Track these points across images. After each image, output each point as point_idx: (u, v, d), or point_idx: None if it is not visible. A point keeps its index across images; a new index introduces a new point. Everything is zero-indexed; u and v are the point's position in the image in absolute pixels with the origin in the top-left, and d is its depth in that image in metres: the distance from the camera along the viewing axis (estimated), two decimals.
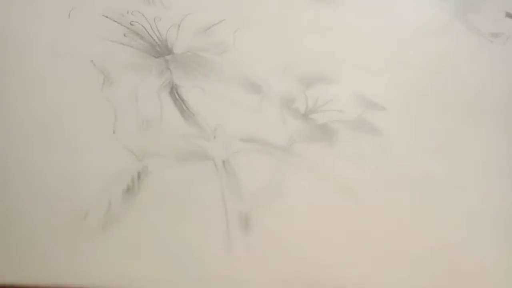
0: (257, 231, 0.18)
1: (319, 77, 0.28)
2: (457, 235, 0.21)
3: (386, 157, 0.23)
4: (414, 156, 0.24)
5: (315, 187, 0.21)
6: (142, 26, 0.27)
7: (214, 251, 0.18)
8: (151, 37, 0.26)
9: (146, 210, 0.18)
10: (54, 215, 0.17)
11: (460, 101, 0.29)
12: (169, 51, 0.26)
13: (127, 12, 0.27)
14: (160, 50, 0.26)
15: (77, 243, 0.17)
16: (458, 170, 0.25)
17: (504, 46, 0.33)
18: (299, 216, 0.19)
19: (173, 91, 0.23)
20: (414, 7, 0.35)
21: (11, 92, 0.21)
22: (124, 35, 0.26)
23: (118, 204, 0.18)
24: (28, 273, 0.16)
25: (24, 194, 0.18)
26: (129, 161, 0.19)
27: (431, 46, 0.32)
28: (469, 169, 0.25)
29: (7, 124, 0.19)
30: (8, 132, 0.19)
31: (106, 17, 0.26)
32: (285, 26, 0.30)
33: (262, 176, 0.21)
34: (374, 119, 0.26)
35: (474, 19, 0.36)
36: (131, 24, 0.27)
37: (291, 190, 0.20)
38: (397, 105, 0.27)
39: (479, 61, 0.32)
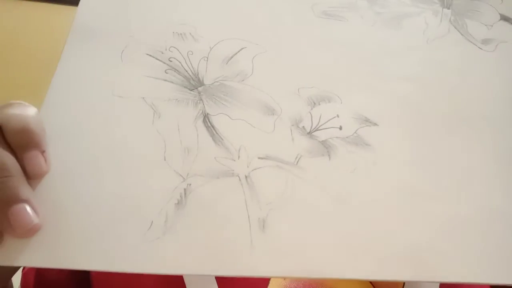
0: (270, 232, 0.25)
1: (323, 96, 0.33)
2: (429, 237, 0.27)
3: (375, 169, 0.29)
4: (401, 167, 0.30)
5: (315, 196, 0.27)
6: (179, 61, 0.33)
7: (239, 246, 0.25)
8: (186, 71, 0.33)
9: (192, 218, 0.25)
10: (126, 227, 0.25)
11: (448, 113, 0.34)
12: (201, 83, 0.32)
13: (166, 49, 0.34)
14: (194, 83, 0.32)
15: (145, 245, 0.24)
16: (445, 179, 0.30)
17: (493, 53, 0.37)
18: (302, 220, 0.26)
19: (205, 119, 0.30)
20: (418, 18, 0.39)
21: (80, 133, 0.28)
22: (165, 71, 0.32)
23: (172, 215, 0.25)
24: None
25: (99, 214, 0.25)
26: (177, 181, 0.26)
27: (426, 58, 0.37)
28: (456, 179, 0.30)
29: (80, 159, 0.27)
30: (80, 166, 0.27)
31: (150, 55, 0.33)
32: (297, 48, 0.36)
33: (275, 187, 0.27)
34: (367, 134, 0.31)
35: (470, 24, 0.39)
36: (170, 61, 0.33)
37: (297, 199, 0.27)
38: (388, 120, 0.32)
39: (468, 70, 0.36)
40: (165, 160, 0.28)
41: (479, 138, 0.32)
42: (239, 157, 0.29)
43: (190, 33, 0.35)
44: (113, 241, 0.25)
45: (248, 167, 0.28)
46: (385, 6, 0.40)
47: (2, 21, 0.90)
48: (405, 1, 0.41)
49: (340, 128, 0.31)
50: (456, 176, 0.30)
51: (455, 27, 0.39)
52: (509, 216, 0.29)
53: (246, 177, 0.28)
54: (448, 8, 0.41)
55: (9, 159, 0.23)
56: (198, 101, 0.31)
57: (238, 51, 0.35)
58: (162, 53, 0.33)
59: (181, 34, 0.35)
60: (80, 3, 0.36)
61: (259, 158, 0.29)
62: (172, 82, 0.32)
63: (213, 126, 0.30)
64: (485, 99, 0.35)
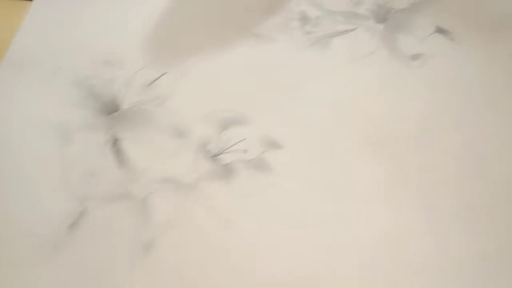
0: (156, 254, 0.27)
1: (235, 120, 0.34)
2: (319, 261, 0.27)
3: (271, 193, 0.30)
4: (299, 192, 0.30)
5: (207, 219, 0.28)
6: (100, 87, 0.35)
7: (122, 268, 0.27)
8: (106, 97, 0.35)
9: (83, 241, 0.27)
10: (14, 251, 0.27)
11: (358, 138, 0.33)
12: (117, 108, 0.34)
13: (90, 77, 0.36)
14: (110, 109, 0.34)
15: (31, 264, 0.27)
16: (347, 202, 0.30)
17: (419, 70, 0.36)
18: (190, 243, 0.27)
19: (115, 144, 0.32)
20: (348, 36, 0.39)
21: None
22: (85, 98, 0.34)
23: (64, 237, 0.27)
24: None
25: None
26: (75, 204, 0.28)
27: (348, 79, 0.36)
28: (354, 204, 0.30)
29: None
30: None
31: (74, 83, 0.35)
32: (219, 71, 0.37)
33: (169, 210, 0.29)
34: (270, 158, 0.32)
35: (401, 39, 0.38)
36: (92, 87, 0.35)
37: (189, 222, 0.28)
38: (294, 144, 0.33)
39: (389, 91, 0.36)
40: (65, 183, 0.30)
41: (383, 163, 0.32)
42: (139, 180, 0.30)
43: (115, 60, 0.37)
44: (3, 263, 0.27)
45: (146, 190, 0.30)
46: (317, 25, 0.41)
47: None
48: (338, 19, 0.41)
49: (245, 151, 0.32)
50: (355, 200, 0.30)
51: (384, 43, 0.39)
52: (400, 239, 0.29)
53: (142, 200, 0.30)
54: (382, 23, 0.40)
55: None
56: (111, 126, 0.33)
57: (160, 76, 0.36)
58: (86, 80, 0.35)
59: (106, 61, 0.37)
60: (18, 33, 0.38)
61: (158, 181, 0.30)
62: (90, 108, 0.34)
63: (120, 150, 0.32)
64: (399, 122, 0.34)
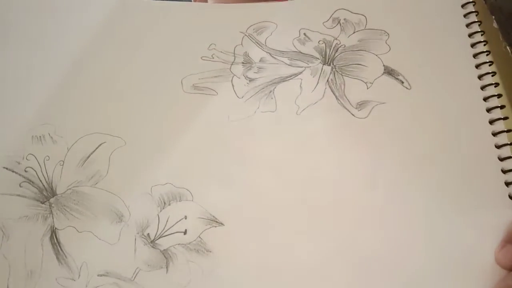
0: None
1: (175, 194, 0.33)
2: None
3: (211, 280, 0.30)
4: (239, 275, 0.30)
5: None
6: (34, 170, 0.34)
7: None
8: (41, 181, 0.34)
9: None
10: None
11: (296, 204, 0.32)
12: (53, 193, 0.33)
13: (23, 158, 0.34)
14: (46, 194, 0.33)
15: None
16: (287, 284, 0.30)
17: (365, 121, 0.34)
18: None
19: (53, 235, 0.31)
20: (293, 82, 0.37)
21: None
22: (20, 185, 0.33)
23: None
24: None
25: None
26: None
27: (292, 135, 0.35)
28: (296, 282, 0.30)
29: None
30: None
31: (6, 168, 0.34)
32: (159, 137, 0.35)
33: None
34: (211, 238, 0.31)
35: (348, 83, 0.36)
36: (26, 171, 0.34)
37: None
38: (235, 218, 0.32)
39: (333, 147, 0.34)
40: (7, 287, 0.30)
41: (322, 231, 0.31)
42: (79, 276, 0.30)
43: (49, 134, 0.35)
44: None
45: (86, 287, 0.30)
46: (261, 69, 0.38)
47: None
48: (284, 60, 0.38)
49: (185, 232, 0.32)
50: (297, 278, 0.30)
51: (331, 89, 0.37)
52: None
53: None
54: (329, 64, 0.38)
55: None
56: (48, 215, 0.32)
57: (96, 148, 0.35)
58: (19, 163, 0.34)
59: (40, 137, 0.35)
60: None
61: (98, 275, 0.30)
62: (25, 197, 0.33)
63: (59, 243, 0.31)
64: (345, 182, 0.33)
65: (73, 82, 0.37)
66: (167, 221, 0.32)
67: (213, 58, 0.39)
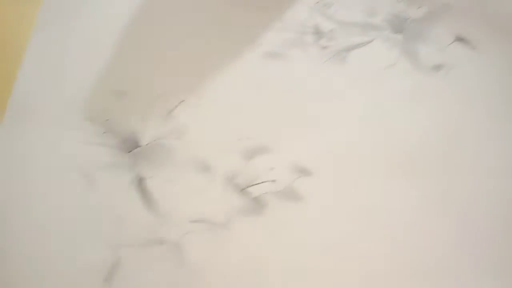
0: None
1: (259, 147, 0.33)
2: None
3: (307, 225, 0.29)
4: (332, 220, 0.30)
5: (244, 259, 0.28)
6: (116, 122, 0.34)
7: None
8: (123, 132, 0.33)
9: None
10: None
11: (390, 158, 0.33)
12: (137, 144, 0.33)
13: (103, 111, 0.34)
14: (130, 145, 0.33)
15: None
16: (381, 231, 0.30)
17: (443, 81, 0.35)
18: (229, 286, 0.27)
19: (140, 183, 0.31)
20: (366, 48, 0.38)
21: (15, 209, 0.29)
22: (103, 134, 0.33)
23: None
24: None
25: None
26: (107, 254, 0.28)
27: (371, 94, 0.36)
28: (390, 230, 0.30)
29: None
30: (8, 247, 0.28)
31: (87, 119, 0.34)
32: (236, 96, 0.36)
33: (205, 252, 0.28)
34: (300, 186, 0.31)
35: (421, 50, 0.37)
36: (107, 122, 0.34)
37: (226, 263, 0.28)
38: (323, 169, 0.32)
39: (415, 105, 0.35)
40: (96, 231, 0.29)
41: (416, 183, 0.31)
42: (170, 222, 0.30)
43: (128, 90, 0.35)
44: None
45: (178, 232, 0.29)
46: (332, 38, 0.39)
47: None
48: (354, 31, 0.40)
49: (274, 181, 0.31)
50: (391, 227, 0.30)
51: (405, 55, 0.38)
52: (439, 262, 0.28)
53: (176, 243, 0.29)
54: (400, 33, 0.39)
55: None
56: (134, 164, 0.32)
57: (176, 106, 0.35)
58: (99, 115, 0.34)
59: (118, 91, 0.35)
60: (17, 80, 0.36)
61: (190, 221, 0.30)
62: (108, 146, 0.32)
63: (146, 190, 0.31)
64: (427, 138, 0.34)
65: (152, 44, 0.38)
66: (254, 171, 0.32)
67: (285, 29, 0.40)
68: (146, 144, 0.33)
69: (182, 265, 0.28)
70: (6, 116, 0.33)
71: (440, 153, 0.32)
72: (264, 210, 0.30)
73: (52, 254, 0.28)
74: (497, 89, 0.36)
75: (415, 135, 0.33)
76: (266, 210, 0.30)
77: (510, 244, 0.28)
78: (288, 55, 0.38)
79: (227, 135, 0.34)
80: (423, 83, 0.36)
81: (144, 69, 0.36)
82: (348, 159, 0.32)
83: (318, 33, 0.39)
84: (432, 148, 0.33)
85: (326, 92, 0.36)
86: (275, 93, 0.36)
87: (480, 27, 0.38)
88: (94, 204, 0.30)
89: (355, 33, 0.39)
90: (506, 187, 0.31)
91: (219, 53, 0.38)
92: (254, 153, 0.33)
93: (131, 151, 0.32)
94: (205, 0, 0.39)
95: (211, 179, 0.31)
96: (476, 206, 0.30)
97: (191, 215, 0.30)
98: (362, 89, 0.36)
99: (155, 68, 0.37)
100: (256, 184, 0.31)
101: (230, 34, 0.39)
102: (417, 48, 0.38)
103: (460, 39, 0.38)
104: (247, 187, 0.31)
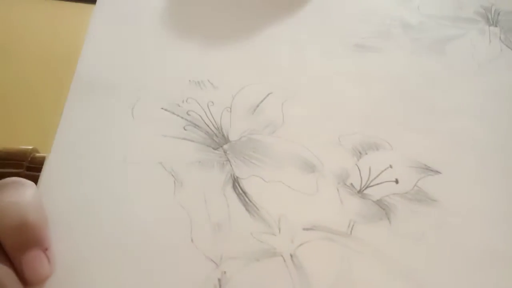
0: None
1: (369, 143, 0.28)
2: None
3: (447, 231, 0.24)
4: (472, 227, 0.25)
5: (378, 274, 0.22)
6: (198, 114, 0.29)
7: None
8: (208, 126, 0.28)
9: None
10: None
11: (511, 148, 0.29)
12: (226, 140, 0.28)
13: (183, 101, 0.29)
14: (217, 140, 0.28)
15: None
16: None
17: None
18: None
19: (235, 184, 0.25)
20: (462, 40, 0.35)
21: (90, 212, 0.23)
22: (184, 128, 0.28)
23: None
24: None
25: None
26: (209, 268, 0.22)
27: (479, 85, 0.32)
28: None
29: (90, 248, 0.22)
30: (91, 257, 0.22)
31: (165, 110, 0.29)
32: (330, 88, 0.31)
33: (328, 267, 0.22)
34: (431, 186, 0.26)
35: None
36: (188, 114, 0.29)
37: (356, 280, 0.22)
38: (452, 165, 0.27)
39: None
40: (192, 241, 0.23)
41: None
42: (280, 230, 0.24)
43: (208, 80, 0.31)
44: None
45: (292, 242, 0.23)
46: (423, 30, 0.36)
47: (22, 19, 0.88)
48: (445, 23, 0.36)
49: (396, 181, 0.26)
50: None
51: (507, 46, 0.35)
52: None
53: (291, 256, 0.23)
54: (496, 26, 0.36)
55: (1, 270, 0.19)
56: (225, 162, 0.26)
57: (264, 98, 0.30)
58: (179, 105, 0.29)
59: (198, 82, 0.30)
60: (83, 51, 0.32)
61: (304, 229, 0.24)
62: (193, 141, 0.27)
63: (245, 193, 0.25)
64: None
65: (236, 38, 0.34)
66: (369, 170, 0.27)
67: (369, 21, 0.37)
68: (236, 140, 0.28)
69: (301, 283, 0.22)
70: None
71: None
72: (392, 215, 0.25)
73: (139, 265, 0.22)
74: None
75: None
76: (395, 215, 0.25)
77: None
78: (378, 47, 0.34)
79: (327, 130, 0.29)
80: None
81: (226, 59, 0.32)
82: (474, 153, 0.28)
83: (405, 25, 0.36)
84: None
85: (430, 82, 0.32)
86: (375, 85, 0.31)
87: None
88: (185, 207, 0.24)
89: (446, 26, 0.36)
90: None
91: (307, 44, 0.34)
92: (363, 149, 0.28)
93: (218, 147, 0.27)
94: None
95: (319, 180, 0.26)
96: None
97: (304, 222, 0.24)
98: (471, 80, 0.32)
99: (239, 59, 0.32)
100: (375, 184, 0.26)
101: (319, 25, 0.35)
102: None
103: None
104: (365, 188, 0.26)
